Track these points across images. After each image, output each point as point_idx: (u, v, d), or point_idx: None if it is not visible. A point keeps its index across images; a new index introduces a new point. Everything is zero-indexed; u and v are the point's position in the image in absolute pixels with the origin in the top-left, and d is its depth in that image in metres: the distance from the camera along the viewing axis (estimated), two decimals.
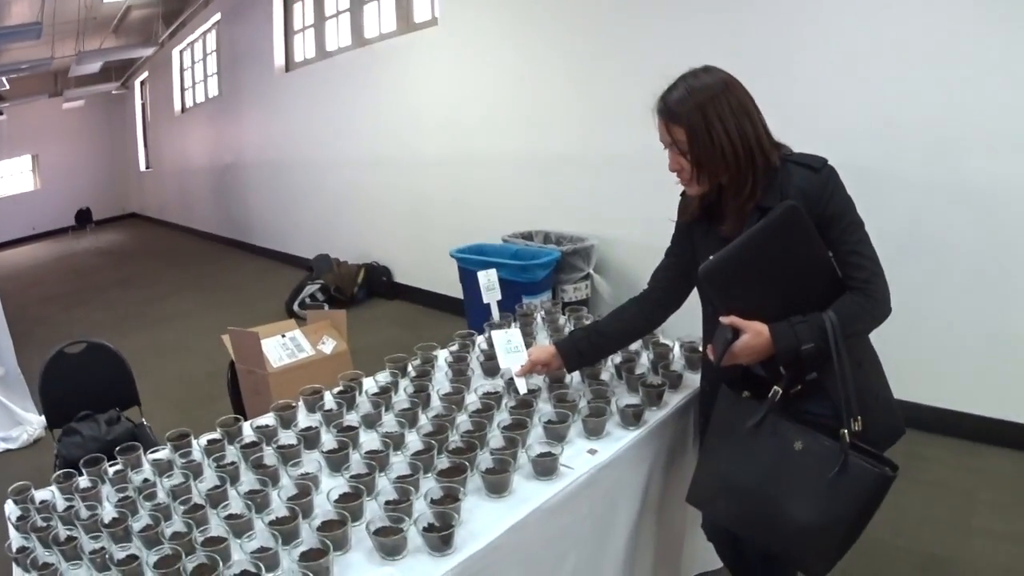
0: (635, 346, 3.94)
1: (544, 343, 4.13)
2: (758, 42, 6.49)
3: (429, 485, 2.68)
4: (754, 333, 2.76)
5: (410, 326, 10.21)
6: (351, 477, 2.75)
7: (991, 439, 5.75)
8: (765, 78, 5.84)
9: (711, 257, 2.84)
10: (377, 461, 2.83)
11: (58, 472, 3.08)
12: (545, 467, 2.86)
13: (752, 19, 6.57)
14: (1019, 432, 5.67)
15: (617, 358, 3.81)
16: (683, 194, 3.19)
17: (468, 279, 7.84)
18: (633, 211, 7.46)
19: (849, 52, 6.03)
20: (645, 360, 3.89)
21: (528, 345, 3.80)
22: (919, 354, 5.85)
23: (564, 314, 4.62)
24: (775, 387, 2.80)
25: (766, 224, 2.71)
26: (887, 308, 2.84)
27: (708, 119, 2.77)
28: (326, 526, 2.47)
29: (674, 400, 3.55)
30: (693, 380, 3.68)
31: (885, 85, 5.88)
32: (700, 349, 3.71)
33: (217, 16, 17.25)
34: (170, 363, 9.35)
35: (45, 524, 2.67)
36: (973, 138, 5.55)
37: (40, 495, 3.00)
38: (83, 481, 3.03)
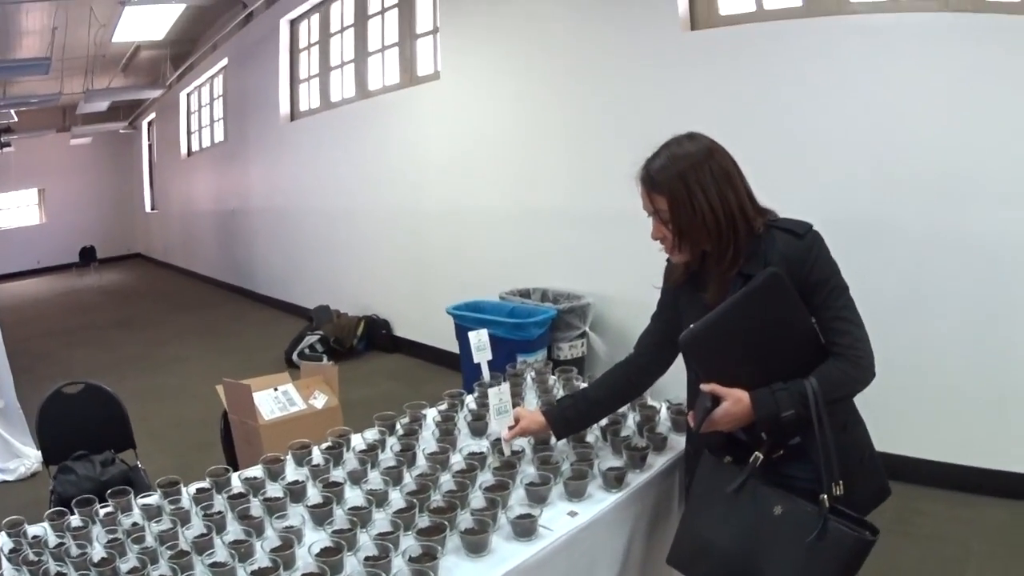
0: (622, 408, 3.96)
1: (532, 403, 4.19)
2: (755, 99, 6.63)
3: (409, 543, 2.71)
4: (734, 400, 2.76)
5: (408, 380, 10.20)
6: (333, 532, 2.78)
7: (986, 490, 5.75)
8: (762, 134, 6.00)
9: (691, 326, 2.86)
10: (359, 517, 2.86)
11: (50, 510, 3.13)
12: (524, 528, 2.87)
13: (749, 76, 6.72)
14: (1014, 481, 5.68)
15: (603, 420, 3.79)
16: (669, 259, 3.21)
17: (464, 336, 7.90)
18: (630, 270, 7.40)
19: (846, 104, 6.15)
20: (631, 422, 3.89)
21: (515, 404, 3.84)
22: (913, 406, 5.88)
23: (554, 374, 4.62)
24: (756, 452, 2.81)
25: (747, 292, 2.73)
26: (871, 374, 2.82)
27: (690, 188, 2.79)
28: None
29: (659, 462, 3.54)
30: (679, 442, 3.68)
31: (883, 137, 5.99)
32: (685, 412, 3.76)
33: (224, 61, 17.43)
34: (168, 407, 9.37)
35: (36, 559, 2.72)
36: (972, 190, 5.64)
37: (32, 530, 3.04)
38: (75, 520, 3.07)
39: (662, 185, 2.85)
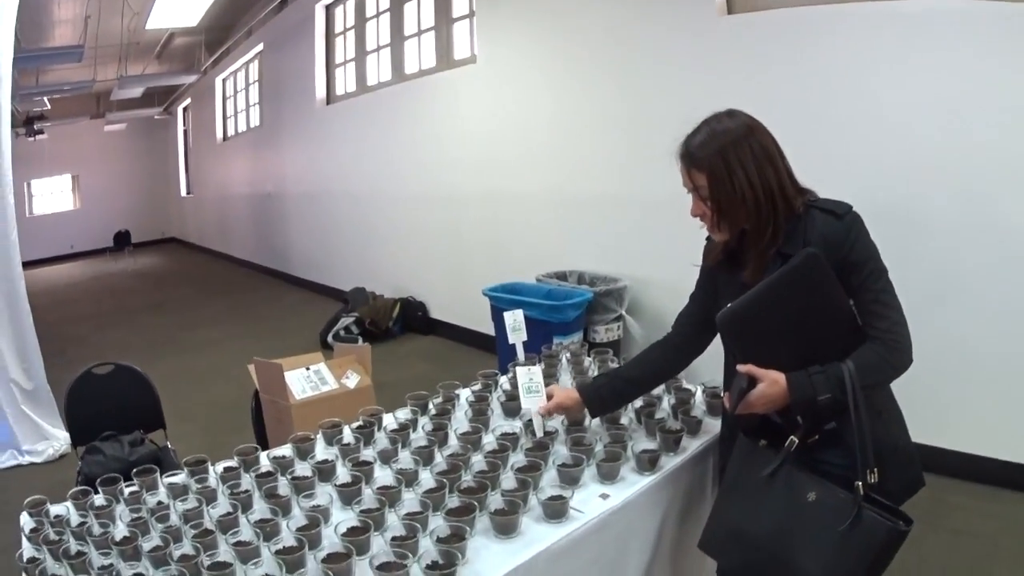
0: (657, 390, 3.89)
1: (567, 384, 4.13)
2: (791, 84, 6.59)
3: (438, 523, 2.67)
4: (770, 382, 2.72)
5: (442, 362, 10.23)
6: (361, 512, 2.76)
7: (1018, 485, 5.67)
8: (797, 119, 5.93)
9: (729, 305, 2.81)
10: (388, 497, 2.82)
11: (74, 489, 3.12)
12: (555, 510, 2.84)
13: (784, 62, 6.68)
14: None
15: (638, 402, 3.74)
16: (708, 238, 3.17)
17: (500, 318, 7.88)
18: (667, 252, 7.45)
19: (881, 91, 6.09)
20: (666, 404, 3.84)
21: (548, 384, 3.79)
22: (945, 398, 5.82)
23: (590, 356, 4.59)
24: (791, 437, 2.75)
25: (784, 272, 2.69)
26: (908, 359, 2.77)
27: (729, 164, 2.75)
28: (331, 558, 2.47)
29: (692, 446, 3.49)
30: (713, 425, 3.64)
31: (917, 125, 5.92)
32: (721, 395, 3.71)
33: (260, 47, 17.52)
34: (201, 388, 9.44)
35: (57, 538, 2.69)
36: (1006, 180, 5.55)
37: (55, 510, 3.02)
38: (99, 499, 3.06)
39: (702, 161, 2.80)
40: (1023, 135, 5.44)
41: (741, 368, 2.78)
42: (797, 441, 2.75)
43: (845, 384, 2.65)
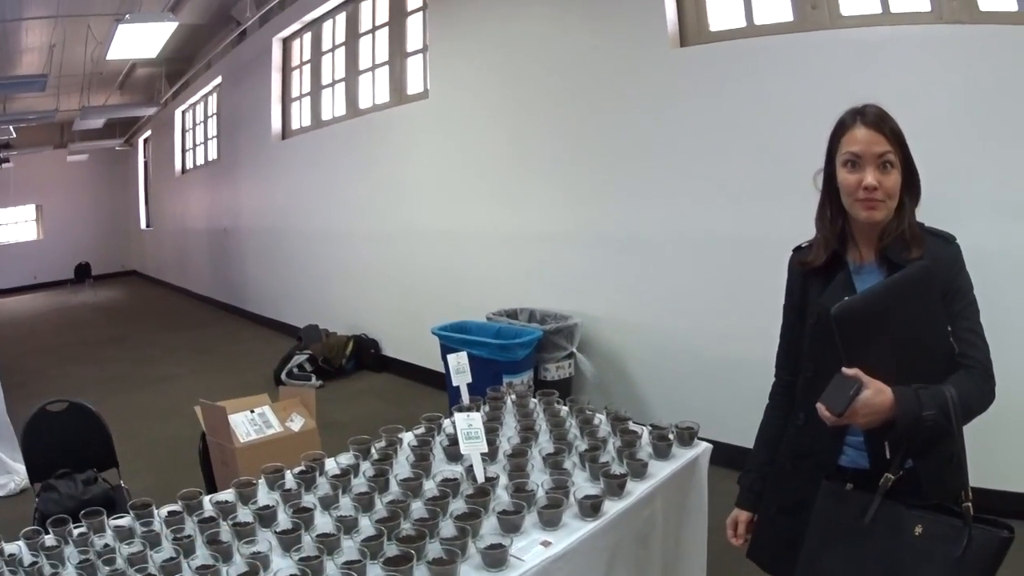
0: (602, 433, 3.94)
1: (512, 426, 4.18)
2: (746, 115, 6.62)
3: (376, 572, 2.68)
4: (876, 390, 2.58)
5: (395, 400, 10.19)
6: (300, 560, 2.76)
7: (978, 509, 5.62)
8: (754, 150, 5.96)
9: (846, 298, 2.72)
10: (327, 544, 2.83)
11: (27, 528, 3.14)
12: (494, 559, 2.83)
13: (740, 93, 6.73)
14: (1011, 501, 5.64)
15: (583, 446, 3.78)
16: (795, 250, 3.21)
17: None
18: (618, 290, 7.51)
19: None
20: (611, 448, 3.83)
21: (494, 431, 3.82)
22: None
23: (535, 397, 4.58)
24: (887, 475, 2.68)
25: (899, 279, 2.67)
26: (993, 396, 2.77)
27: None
28: None
29: (638, 490, 3.49)
30: (659, 468, 3.65)
31: None
32: (669, 437, 3.74)
33: (218, 79, 17.51)
34: (156, 426, 9.34)
35: None
36: (968, 201, 5.52)
37: (9, 548, 3.03)
38: (49, 539, 3.08)
39: (893, 125, 2.87)
40: (985, 159, 5.55)
41: (849, 371, 2.64)
42: (893, 478, 2.67)
43: (948, 407, 2.57)
